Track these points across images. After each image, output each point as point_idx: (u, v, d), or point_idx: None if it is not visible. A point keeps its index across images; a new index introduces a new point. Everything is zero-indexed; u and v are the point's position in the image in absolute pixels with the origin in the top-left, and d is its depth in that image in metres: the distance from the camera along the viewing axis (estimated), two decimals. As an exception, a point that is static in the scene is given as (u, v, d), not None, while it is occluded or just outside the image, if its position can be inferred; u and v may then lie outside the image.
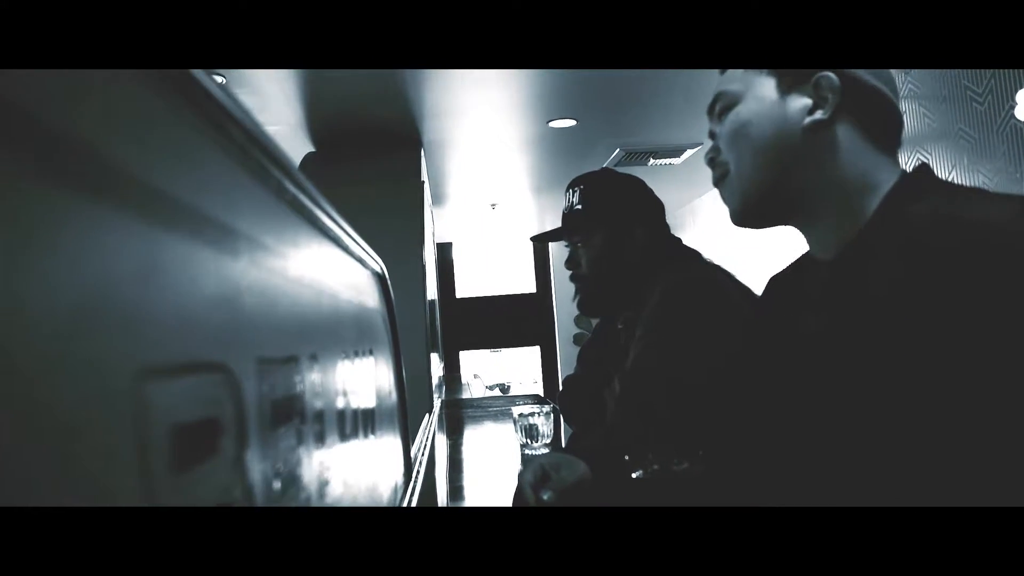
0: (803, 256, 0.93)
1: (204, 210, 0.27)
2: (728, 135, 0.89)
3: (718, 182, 0.91)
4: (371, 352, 0.72)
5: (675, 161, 3.54)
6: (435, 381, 2.90)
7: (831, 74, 0.81)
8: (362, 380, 0.64)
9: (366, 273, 0.74)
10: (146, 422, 0.21)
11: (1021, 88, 1.85)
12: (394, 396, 0.95)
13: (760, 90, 0.86)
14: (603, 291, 1.49)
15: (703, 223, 4.81)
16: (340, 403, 0.52)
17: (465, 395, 4.94)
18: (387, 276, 0.85)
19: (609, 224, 1.49)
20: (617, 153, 3.32)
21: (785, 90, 0.84)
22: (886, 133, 0.84)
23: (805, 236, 0.88)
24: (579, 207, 1.50)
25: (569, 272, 1.55)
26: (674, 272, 1.41)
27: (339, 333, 0.53)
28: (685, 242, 1.56)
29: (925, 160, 1.88)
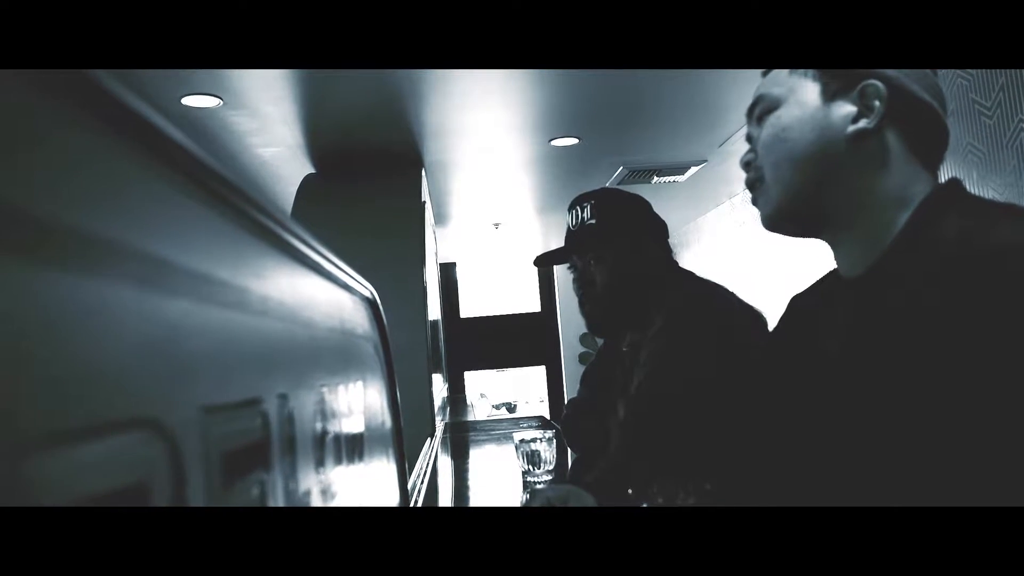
0: (828, 274, 0.90)
1: (128, 242, 0.23)
2: (767, 139, 0.86)
3: (752, 186, 0.88)
4: (360, 382, 0.69)
5: (679, 179, 3.51)
6: (438, 403, 2.86)
7: (878, 82, 0.78)
8: (348, 413, 0.61)
9: (352, 299, 0.71)
10: (62, 492, 0.18)
11: (1031, 101, 1.82)
12: (388, 424, 0.92)
13: (803, 95, 0.83)
14: (618, 310, 1.44)
15: (708, 241, 4.78)
16: (320, 441, 0.48)
17: (470, 416, 4.88)
18: (378, 301, 0.81)
19: (624, 239, 1.45)
20: (620, 171, 3.29)
21: (829, 96, 0.81)
22: (930, 147, 0.81)
23: (833, 250, 0.85)
24: (592, 222, 1.45)
25: (579, 292, 1.48)
26: (678, 294, 1.37)
27: (318, 366, 0.50)
28: (690, 260, 1.53)
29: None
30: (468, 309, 6.49)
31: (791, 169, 0.83)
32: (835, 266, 0.87)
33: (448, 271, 6.23)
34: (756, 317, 1.32)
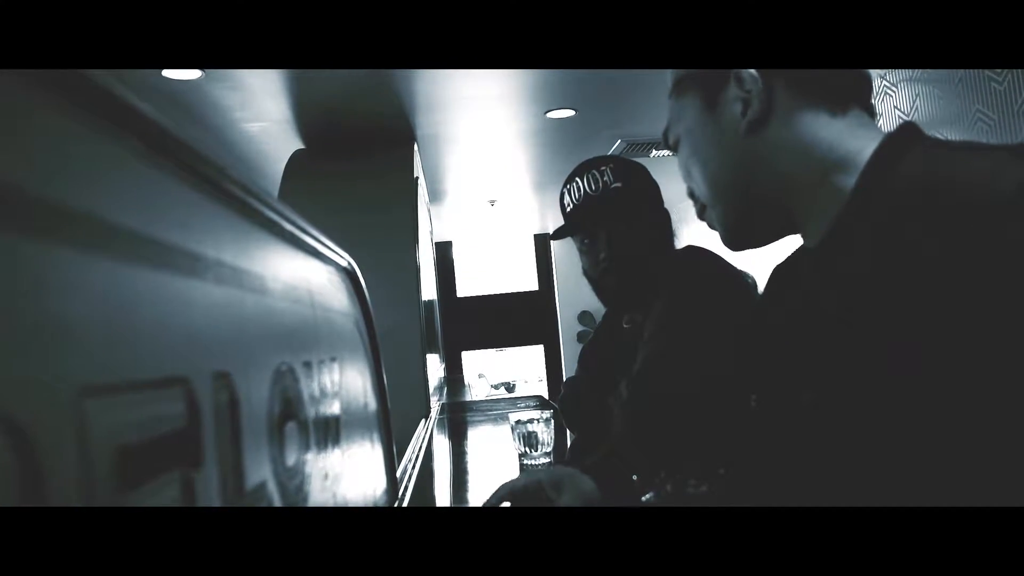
0: (800, 247, 0.83)
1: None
2: (683, 172, 0.83)
3: (700, 215, 0.85)
4: (334, 360, 0.63)
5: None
6: (434, 383, 2.81)
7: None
8: (319, 395, 0.55)
9: (326, 269, 0.64)
10: None
11: (1045, 63, 1.74)
12: (372, 406, 0.86)
13: (689, 113, 0.79)
14: (646, 280, 1.35)
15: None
16: (278, 428, 0.42)
17: (467, 396, 4.84)
18: (358, 272, 0.75)
19: (649, 203, 1.38)
20: (619, 144, 3.22)
21: (711, 103, 0.76)
22: (842, 90, 0.72)
23: (801, 235, 0.78)
24: (618, 184, 1.37)
25: (605, 261, 1.37)
26: (681, 269, 1.31)
27: (275, 343, 0.44)
28: (688, 237, 1.46)
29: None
30: (465, 288, 6.44)
31: (712, 191, 0.78)
32: None
33: (444, 250, 6.17)
34: (758, 292, 1.26)
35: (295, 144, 2.66)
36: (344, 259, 0.71)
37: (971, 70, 1.98)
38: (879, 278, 0.60)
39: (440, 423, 2.32)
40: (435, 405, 2.55)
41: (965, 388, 0.53)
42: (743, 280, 1.31)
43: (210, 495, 0.31)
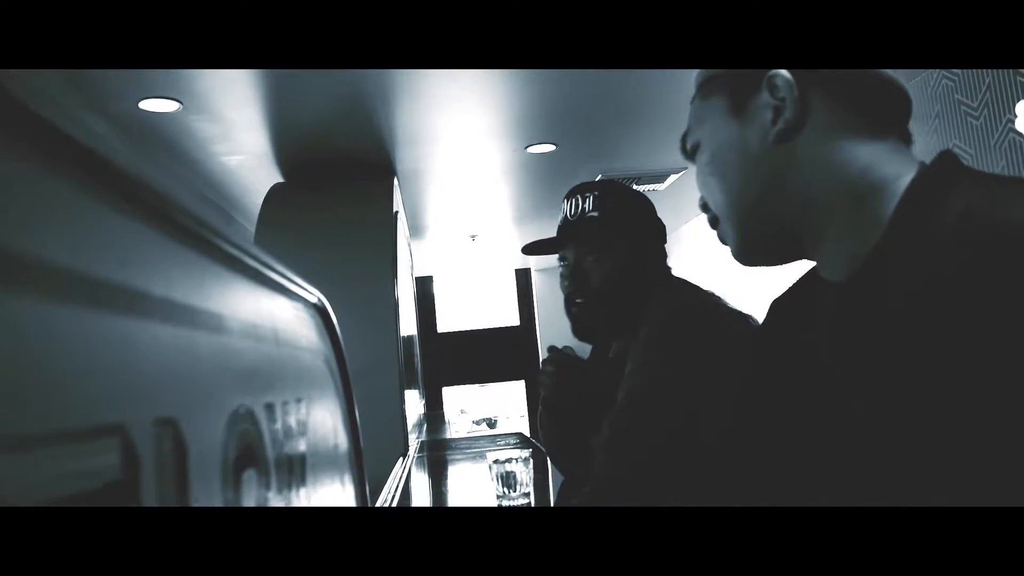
0: (807, 274, 0.78)
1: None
2: (699, 181, 0.78)
3: (712, 226, 0.79)
4: (302, 401, 0.60)
5: (659, 187, 3.46)
6: (413, 420, 2.76)
7: (782, 70, 0.67)
8: (284, 436, 0.52)
9: (294, 307, 0.62)
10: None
11: (1020, 100, 1.77)
12: (343, 446, 0.82)
13: (713, 118, 0.74)
14: (613, 313, 1.32)
15: (687, 251, 4.73)
16: (234, 473, 0.40)
17: (448, 433, 4.77)
18: (329, 309, 0.72)
19: (629, 237, 1.35)
20: (599, 179, 3.23)
21: (738, 109, 0.71)
22: (882, 111, 0.67)
23: (816, 260, 0.73)
24: (595, 214, 1.34)
25: (570, 290, 1.36)
26: (670, 302, 1.28)
27: (234, 383, 0.41)
28: (672, 271, 1.44)
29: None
30: (446, 323, 6.39)
31: (729, 203, 0.73)
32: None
33: (425, 285, 6.14)
34: (750, 325, 1.23)
35: (274, 177, 2.63)
36: (313, 295, 0.68)
37: (948, 106, 2.01)
38: (927, 318, 0.57)
39: (419, 461, 2.27)
40: (414, 442, 2.50)
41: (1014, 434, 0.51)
42: (733, 310, 1.29)
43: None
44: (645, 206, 1.41)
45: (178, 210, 0.33)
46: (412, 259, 4.29)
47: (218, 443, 0.37)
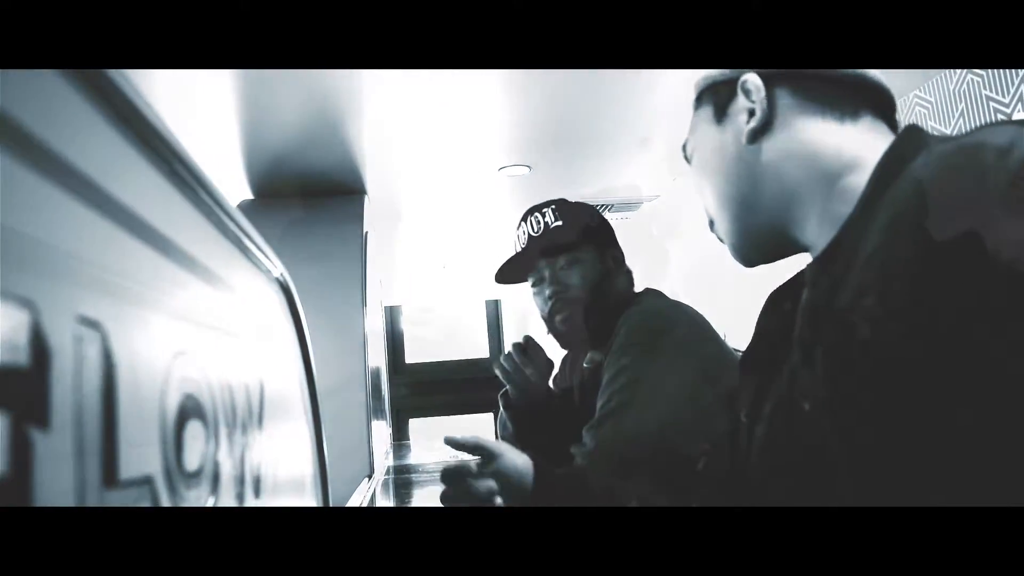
0: (801, 271, 0.79)
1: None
2: (695, 186, 0.83)
3: (711, 228, 0.84)
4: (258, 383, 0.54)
5: (630, 215, 3.46)
6: (381, 450, 2.68)
7: (751, 73, 0.72)
8: (231, 394, 0.47)
9: (258, 278, 0.57)
10: None
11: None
12: (309, 468, 0.77)
13: (702, 125, 0.79)
14: (596, 314, 1.32)
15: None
16: (174, 422, 0.35)
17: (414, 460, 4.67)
18: (292, 287, 0.67)
19: (595, 241, 1.37)
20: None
21: (720, 115, 0.76)
22: (847, 97, 0.70)
23: (811, 252, 0.74)
24: (559, 224, 1.36)
25: (550, 300, 1.35)
26: (642, 306, 1.27)
27: (170, 316, 0.36)
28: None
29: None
30: (414, 354, 6.33)
31: (718, 202, 0.78)
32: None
33: (394, 315, 6.09)
34: (713, 332, 1.23)
35: (244, 193, 2.59)
36: (278, 269, 0.64)
37: (976, 103, 1.97)
38: (889, 279, 0.55)
39: (384, 484, 2.21)
40: (381, 465, 2.43)
41: (979, 392, 0.48)
42: (699, 315, 1.29)
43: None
44: (598, 213, 1.46)
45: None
46: (381, 289, 4.24)
47: (158, 373, 0.32)
